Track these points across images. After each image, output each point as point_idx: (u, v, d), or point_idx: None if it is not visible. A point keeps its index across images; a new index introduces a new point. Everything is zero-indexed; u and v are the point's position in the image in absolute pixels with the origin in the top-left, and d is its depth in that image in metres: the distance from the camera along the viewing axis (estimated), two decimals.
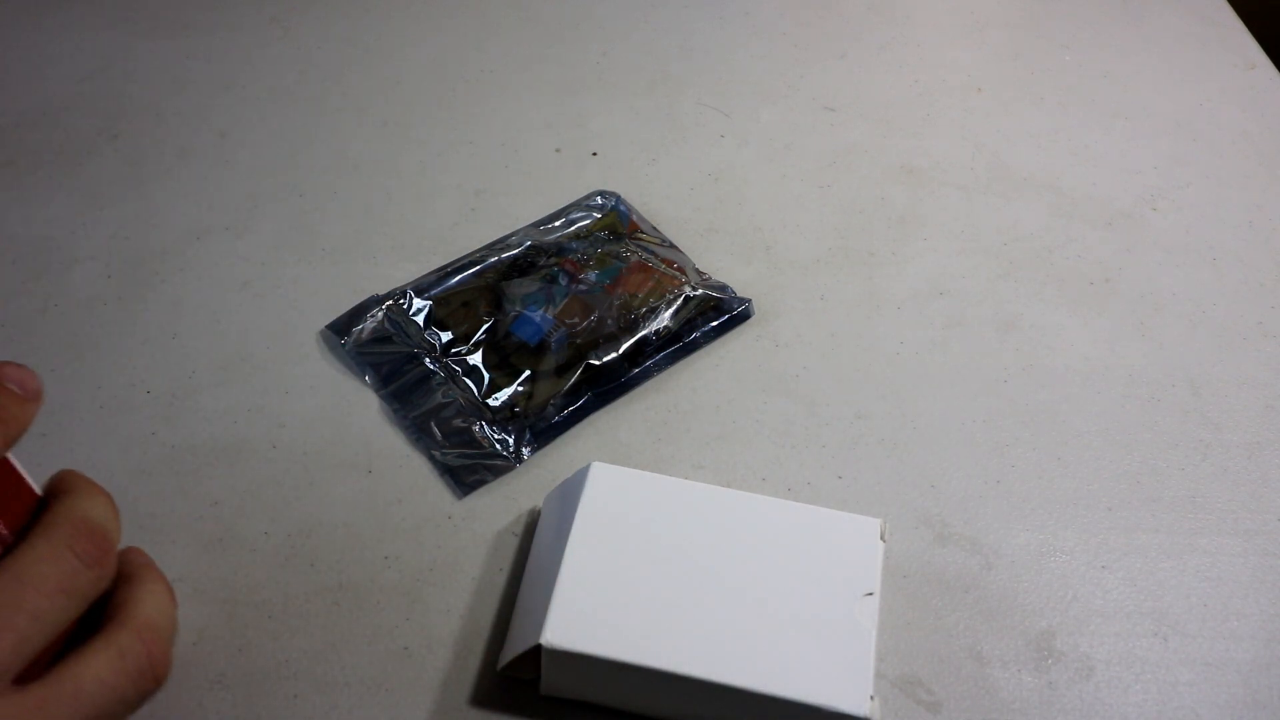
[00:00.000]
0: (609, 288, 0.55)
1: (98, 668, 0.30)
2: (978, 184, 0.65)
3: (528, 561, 0.46)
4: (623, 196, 0.62)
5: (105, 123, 0.67)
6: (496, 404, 0.51)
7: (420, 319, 0.54)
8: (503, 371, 0.52)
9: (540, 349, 0.53)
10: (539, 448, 0.51)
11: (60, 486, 0.33)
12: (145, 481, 0.49)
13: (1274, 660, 0.45)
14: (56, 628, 0.29)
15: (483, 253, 0.58)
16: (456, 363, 0.53)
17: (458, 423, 0.51)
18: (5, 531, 0.31)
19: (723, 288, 0.57)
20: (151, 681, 0.31)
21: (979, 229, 0.63)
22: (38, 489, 0.33)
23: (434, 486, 0.49)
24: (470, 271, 0.57)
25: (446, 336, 0.54)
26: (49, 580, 0.29)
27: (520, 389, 0.52)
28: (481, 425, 0.51)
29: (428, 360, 0.53)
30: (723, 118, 0.69)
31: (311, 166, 0.65)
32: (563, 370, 0.52)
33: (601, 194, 0.62)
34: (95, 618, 0.32)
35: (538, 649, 0.39)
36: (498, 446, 0.50)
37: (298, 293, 0.57)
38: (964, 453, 0.51)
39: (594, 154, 0.66)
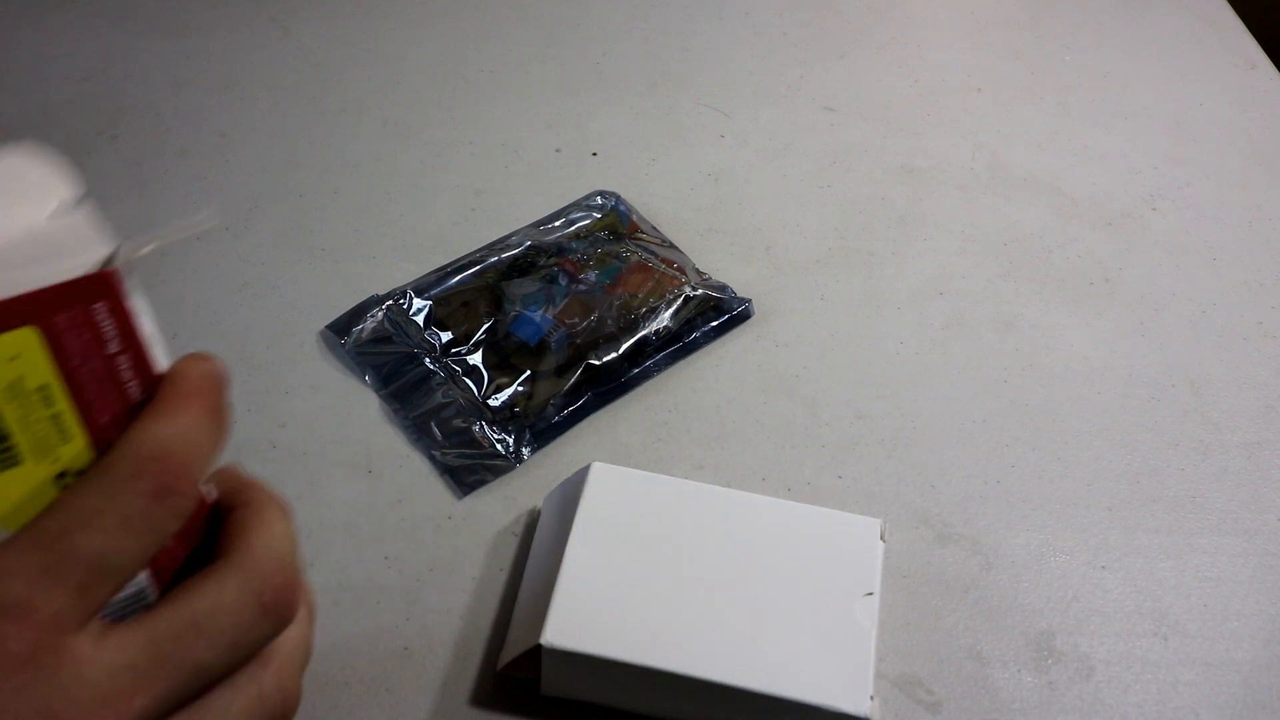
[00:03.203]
0: (609, 288, 0.55)
1: (238, 712, 0.26)
2: (978, 184, 0.65)
3: (528, 561, 0.46)
4: (623, 196, 0.62)
5: (105, 123, 0.67)
6: (496, 404, 0.51)
7: (420, 319, 0.54)
8: (503, 371, 0.52)
9: (540, 349, 0.53)
10: (539, 448, 0.51)
11: (163, 392, 0.26)
12: None
13: (1274, 660, 0.45)
14: (215, 679, 0.26)
15: (483, 253, 0.58)
16: (456, 363, 0.53)
17: (458, 423, 0.51)
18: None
19: (723, 288, 0.57)
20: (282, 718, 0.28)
21: (979, 229, 0.63)
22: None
23: (434, 486, 0.49)
24: (470, 271, 0.57)
25: (446, 336, 0.54)
26: (226, 631, 0.25)
27: (520, 389, 0.52)
28: (481, 425, 0.51)
29: (428, 360, 0.53)
30: (723, 118, 0.69)
31: (311, 166, 0.65)
32: (563, 370, 0.52)
33: (601, 194, 0.62)
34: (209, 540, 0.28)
35: (538, 649, 0.39)
36: (498, 446, 0.50)
37: (298, 293, 0.57)
38: (964, 453, 0.51)
39: (594, 154, 0.66)
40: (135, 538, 0.24)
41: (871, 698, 0.38)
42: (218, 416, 0.27)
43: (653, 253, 0.58)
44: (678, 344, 0.55)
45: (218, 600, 0.25)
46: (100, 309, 0.25)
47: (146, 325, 0.26)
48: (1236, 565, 0.48)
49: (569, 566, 0.41)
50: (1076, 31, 0.78)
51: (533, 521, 0.48)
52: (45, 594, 0.23)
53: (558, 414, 0.51)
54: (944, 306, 0.58)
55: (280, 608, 0.26)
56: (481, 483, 0.49)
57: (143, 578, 0.26)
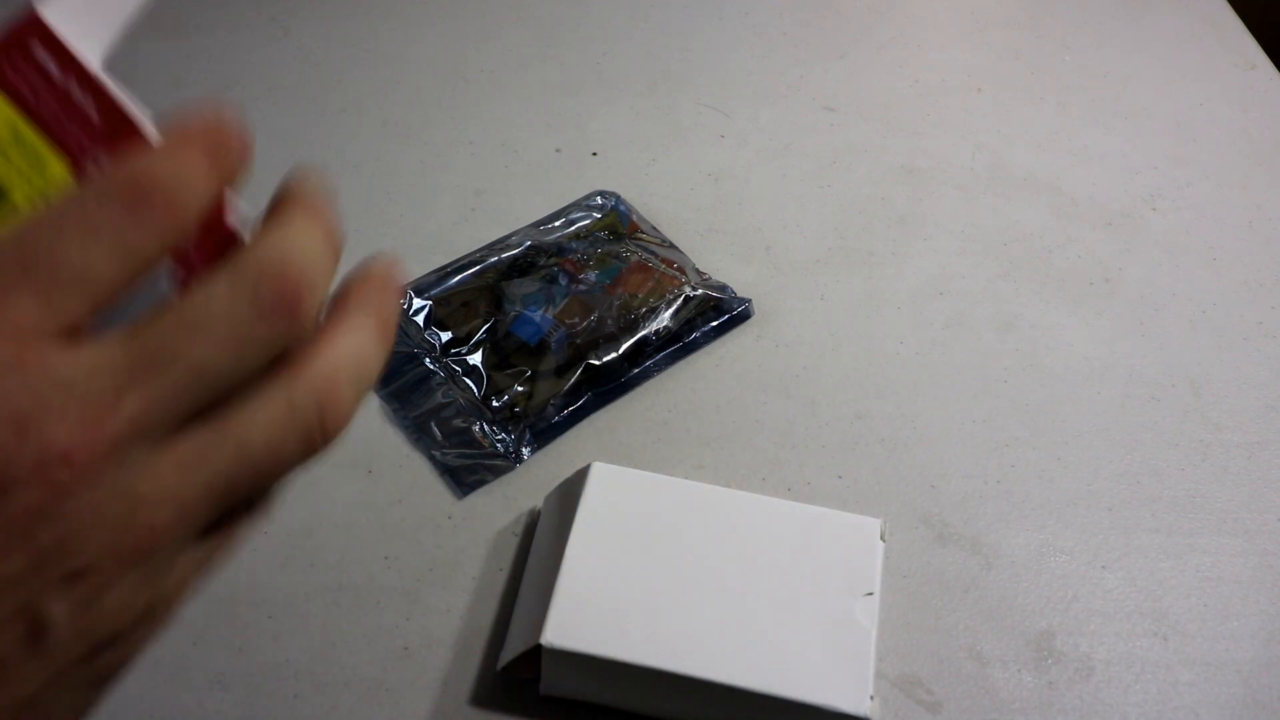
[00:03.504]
0: (609, 288, 0.55)
1: (265, 423, 0.24)
2: (978, 184, 0.65)
3: (528, 561, 0.46)
4: (623, 196, 0.62)
5: None
6: (496, 404, 0.51)
7: (420, 319, 0.54)
8: (503, 371, 0.52)
9: (540, 349, 0.53)
10: (539, 448, 0.51)
11: (279, 204, 0.25)
12: None
13: (1274, 660, 0.45)
14: (221, 382, 0.24)
15: (483, 253, 0.58)
16: (456, 363, 0.53)
17: (458, 423, 0.51)
18: (190, 268, 0.26)
19: (723, 288, 0.57)
20: (320, 442, 0.26)
21: (979, 229, 0.62)
22: (240, 219, 0.27)
23: (434, 486, 0.49)
24: (470, 271, 0.57)
25: (446, 336, 0.54)
26: (217, 328, 0.23)
27: (520, 389, 0.52)
28: (481, 425, 0.51)
29: (428, 360, 0.53)
30: (723, 118, 0.69)
31: (311, 167, 0.65)
32: (563, 370, 0.52)
33: (601, 194, 0.62)
34: None
35: (538, 649, 0.39)
36: (498, 446, 0.50)
37: None
38: (964, 453, 0.51)
39: (594, 154, 0.66)
40: (105, 244, 0.23)
41: (871, 698, 0.38)
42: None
43: (653, 253, 0.58)
44: (678, 344, 0.55)
45: (207, 298, 0.23)
46: (36, 46, 0.27)
47: (87, 56, 0.28)
48: (1236, 565, 0.48)
49: (569, 566, 0.41)
50: (1076, 31, 0.78)
51: (533, 521, 0.48)
52: (11, 299, 0.21)
53: (558, 414, 0.51)
54: (944, 306, 0.58)
55: (279, 305, 0.24)
56: (481, 483, 0.49)
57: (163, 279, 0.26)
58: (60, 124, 0.27)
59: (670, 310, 0.55)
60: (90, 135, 0.28)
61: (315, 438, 0.26)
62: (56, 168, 0.27)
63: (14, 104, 0.27)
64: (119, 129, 0.28)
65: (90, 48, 0.28)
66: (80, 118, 0.28)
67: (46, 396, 0.21)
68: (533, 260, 0.57)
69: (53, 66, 0.27)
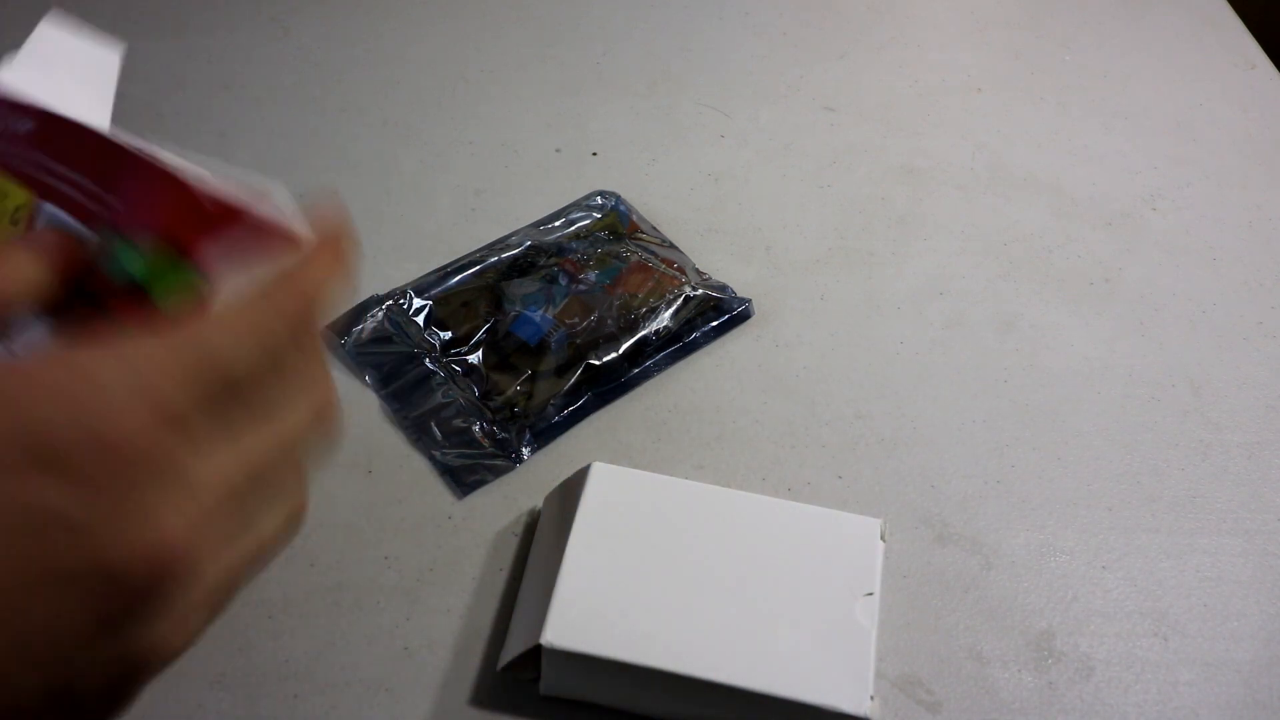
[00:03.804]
0: (609, 288, 0.55)
1: (236, 311, 0.25)
2: (978, 184, 0.65)
3: (528, 561, 0.46)
4: (623, 196, 0.62)
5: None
6: (496, 404, 0.51)
7: (420, 319, 0.54)
8: (503, 371, 0.52)
9: (540, 349, 0.53)
10: (539, 448, 0.51)
11: (316, 245, 0.28)
12: None
13: (1274, 660, 0.45)
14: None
15: (483, 253, 0.58)
16: (456, 363, 0.53)
17: (458, 423, 0.51)
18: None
19: (723, 288, 0.57)
20: (303, 331, 0.27)
21: (979, 229, 0.62)
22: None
23: (434, 486, 0.49)
24: (470, 271, 0.57)
25: (446, 336, 0.54)
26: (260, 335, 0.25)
27: (520, 389, 0.52)
28: (481, 425, 0.51)
29: (428, 360, 0.53)
30: (723, 118, 0.69)
31: (311, 166, 0.65)
32: (563, 370, 0.52)
33: (601, 194, 0.62)
34: None
35: (538, 649, 0.39)
36: (498, 446, 0.50)
37: None
38: (964, 453, 0.51)
39: (594, 154, 0.66)
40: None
41: (871, 698, 0.38)
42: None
43: (653, 253, 0.58)
44: (678, 344, 0.55)
45: (257, 313, 0.25)
46: None
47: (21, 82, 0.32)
48: (1236, 565, 0.48)
49: (569, 566, 0.41)
50: (1076, 31, 0.78)
51: (533, 521, 0.48)
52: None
53: (558, 414, 0.51)
54: (944, 306, 0.58)
55: (303, 327, 0.26)
56: (481, 483, 0.49)
57: None
58: (14, 158, 0.30)
59: (670, 310, 0.55)
60: (25, 144, 0.30)
61: (301, 322, 0.27)
62: (12, 191, 0.29)
63: None
64: (51, 128, 0.30)
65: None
66: (25, 145, 0.30)
67: (122, 397, 0.22)
68: (533, 260, 0.57)
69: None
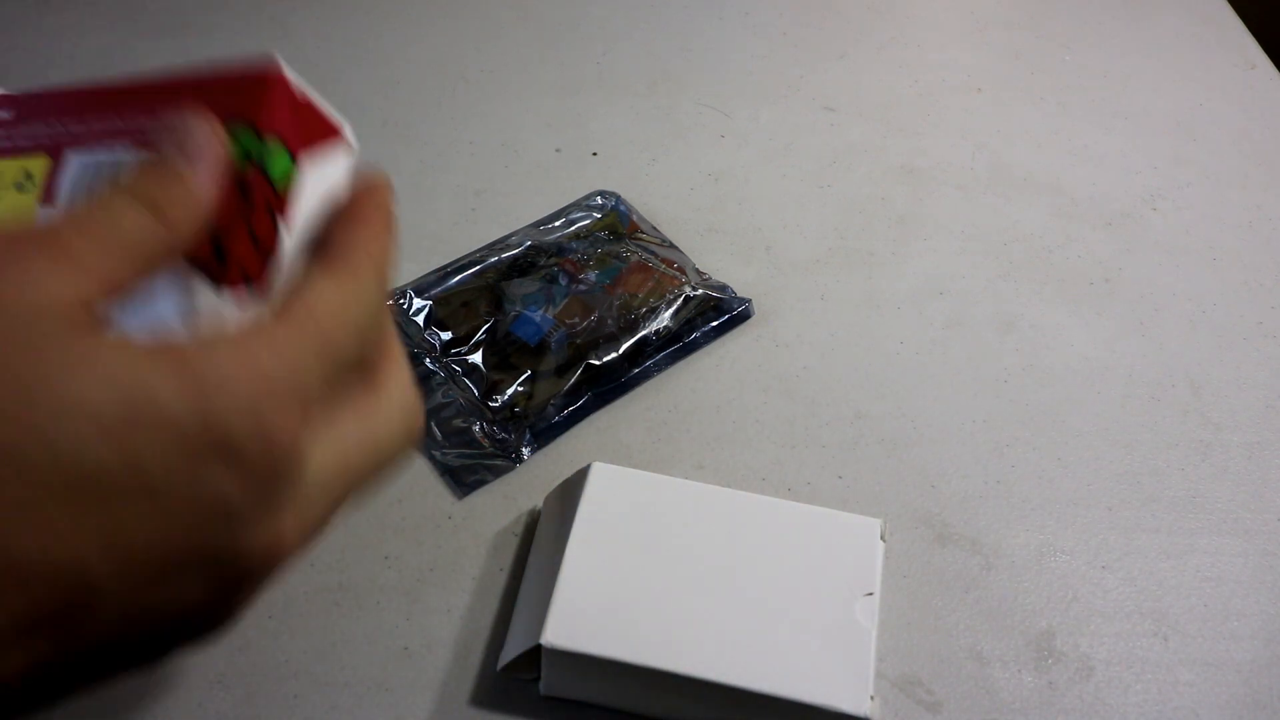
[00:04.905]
0: (609, 288, 0.55)
1: (332, 294, 0.25)
2: (978, 184, 0.65)
3: (528, 561, 0.46)
4: (623, 196, 0.62)
5: None
6: (496, 404, 0.51)
7: (420, 319, 0.54)
8: (503, 371, 0.52)
9: (540, 349, 0.53)
10: (539, 448, 0.51)
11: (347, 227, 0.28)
12: None
13: (1274, 660, 0.45)
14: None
15: (483, 253, 0.58)
16: (456, 363, 0.53)
17: (458, 423, 0.51)
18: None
19: (723, 288, 0.57)
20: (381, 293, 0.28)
21: (979, 229, 0.63)
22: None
23: (434, 486, 0.49)
24: (470, 271, 0.57)
25: (446, 336, 0.54)
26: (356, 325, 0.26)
27: (520, 389, 0.52)
28: (481, 425, 0.51)
29: (428, 360, 0.53)
30: (723, 118, 0.69)
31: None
32: (563, 370, 0.52)
33: (601, 194, 0.62)
34: None
35: (538, 649, 0.39)
36: (498, 446, 0.50)
37: None
38: (964, 453, 0.51)
39: (594, 154, 0.66)
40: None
41: (871, 698, 0.38)
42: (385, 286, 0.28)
43: (653, 253, 0.58)
44: (678, 344, 0.55)
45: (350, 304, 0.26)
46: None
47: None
48: (1236, 565, 0.48)
49: (569, 566, 0.41)
50: (1076, 31, 0.78)
51: (533, 521, 0.48)
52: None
53: (558, 414, 0.51)
54: (944, 306, 0.58)
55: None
56: (481, 483, 0.49)
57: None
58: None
59: (670, 310, 0.55)
60: (6, 127, 0.30)
61: (380, 291, 0.28)
62: (5, 167, 0.29)
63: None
64: (30, 105, 0.30)
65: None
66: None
67: (274, 393, 0.23)
68: (533, 260, 0.57)
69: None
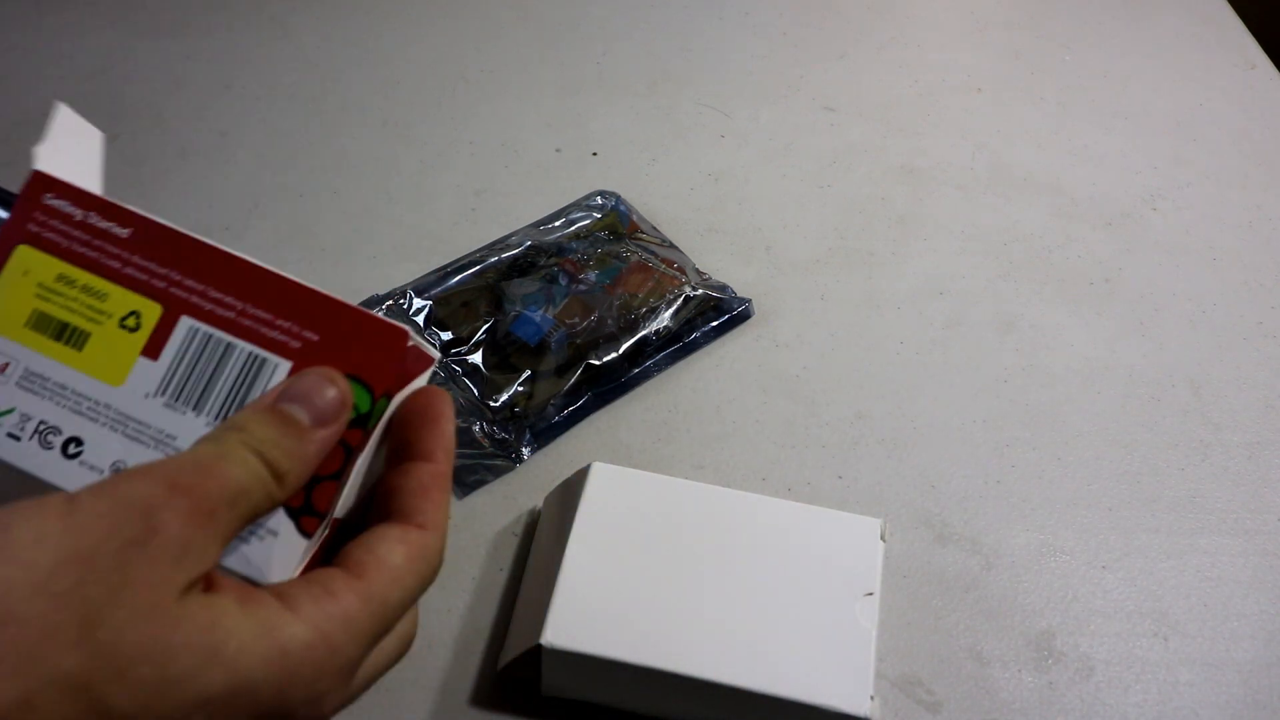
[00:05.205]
0: (609, 288, 0.55)
1: (403, 573, 0.28)
2: (978, 184, 0.65)
3: (528, 561, 0.46)
4: (623, 196, 0.62)
5: (105, 123, 0.67)
6: (496, 404, 0.51)
7: (420, 319, 0.54)
8: (503, 371, 0.52)
9: (540, 349, 0.53)
10: (539, 448, 0.51)
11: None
12: None
13: (1274, 660, 0.45)
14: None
15: (483, 253, 0.58)
16: (456, 363, 0.53)
17: (458, 423, 0.51)
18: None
19: (723, 288, 0.57)
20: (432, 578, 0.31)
21: (979, 229, 0.63)
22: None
23: None
24: (470, 271, 0.57)
25: (446, 336, 0.54)
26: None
27: (520, 389, 0.52)
28: (481, 425, 0.51)
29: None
30: (723, 118, 0.69)
31: (311, 166, 0.65)
32: (563, 370, 0.52)
33: (601, 194, 0.62)
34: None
35: (538, 649, 0.39)
36: (498, 446, 0.50)
37: None
38: (964, 453, 0.51)
39: (594, 154, 0.66)
40: None
41: (871, 698, 0.38)
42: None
43: (653, 253, 0.58)
44: (678, 344, 0.55)
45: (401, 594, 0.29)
46: (48, 196, 0.32)
47: (88, 179, 0.33)
48: (1236, 565, 0.48)
49: (569, 566, 0.41)
50: (1076, 31, 0.78)
51: (533, 521, 0.48)
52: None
53: (558, 414, 0.51)
54: (944, 306, 0.58)
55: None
56: (481, 483, 0.49)
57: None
58: (94, 249, 0.31)
59: (670, 310, 0.55)
60: (125, 248, 0.31)
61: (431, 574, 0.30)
62: (118, 295, 0.31)
63: (50, 253, 0.31)
64: (151, 234, 0.31)
65: (89, 179, 0.32)
66: (109, 240, 0.31)
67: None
68: (533, 260, 0.57)
69: (71, 208, 0.32)
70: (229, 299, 0.30)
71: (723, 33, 0.76)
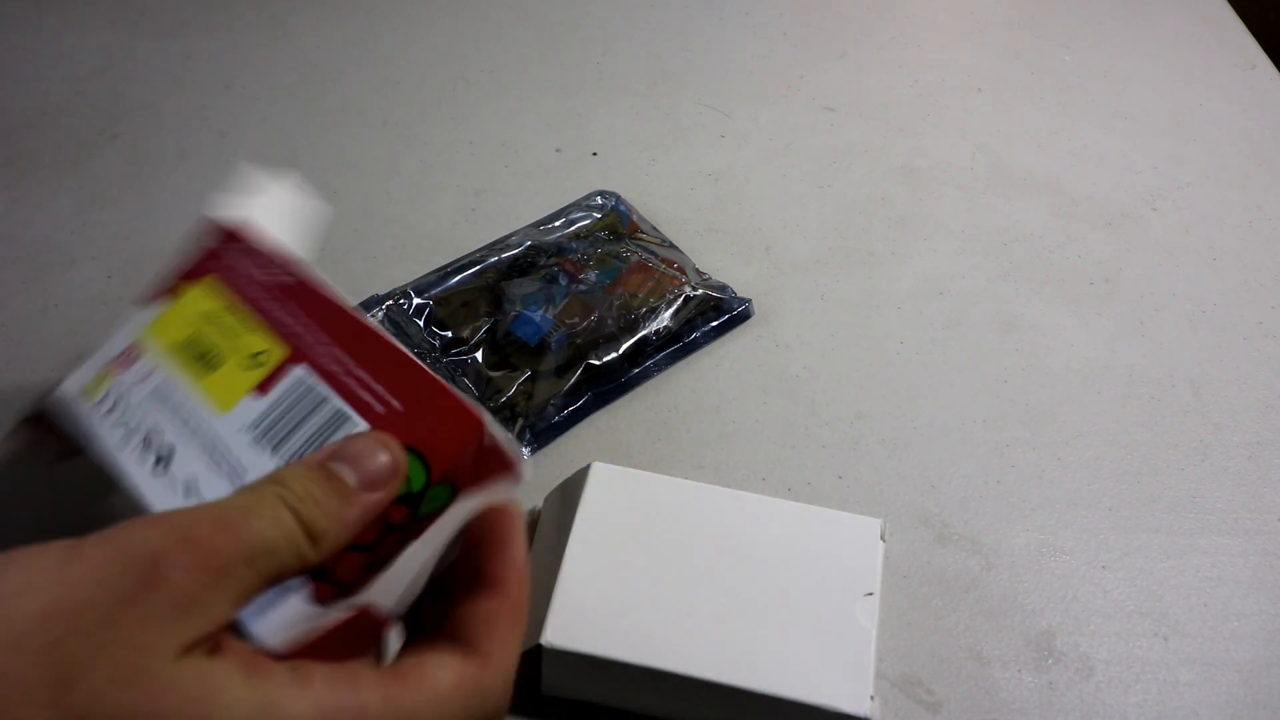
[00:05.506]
0: (609, 288, 0.55)
1: (451, 685, 0.28)
2: (978, 184, 0.65)
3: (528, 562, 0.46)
4: (623, 196, 0.62)
5: (105, 123, 0.67)
6: (496, 404, 0.51)
7: (420, 319, 0.54)
8: (503, 371, 0.52)
9: (540, 349, 0.53)
10: (539, 448, 0.51)
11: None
12: None
13: (1274, 660, 0.45)
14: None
15: (483, 253, 0.58)
16: (456, 363, 0.53)
17: None
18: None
19: (723, 288, 0.57)
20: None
21: (979, 229, 0.63)
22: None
23: None
24: (470, 271, 0.57)
25: (446, 336, 0.54)
26: None
27: (520, 389, 0.52)
28: None
29: (427, 360, 0.53)
30: (723, 118, 0.69)
31: (311, 166, 0.65)
32: (563, 370, 0.52)
33: (601, 194, 0.62)
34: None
35: (538, 649, 0.39)
36: None
37: None
38: (964, 453, 0.51)
39: (594, 154, 0.66)
40: None
41: (871, 698, 0.38)
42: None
43: (653, 253, 0.58)
44: (678, 344, 0.55)
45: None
46: (230, 249, 0.36)
47: (279, 241, 0.37)
48: (1236, 565, 0.48)
49: (569, 566, 0.41)
50: (1076, 31, 0.78)
51: (532, 521, 0.48)
52: None
53: (558, 414, 0.51)
54: (944, 306, 0.58)
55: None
56: None
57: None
58: (262, 300, 0.34)
59: (670, 310, 0.55)
60: (284, 295, 0.34)
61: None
62: (260, 333, 0.33)
63: (229, 287, 0.35)
64: (307, 288, 0.34)
65: (288, 233, 0.38)
66: (279, 287, 0.34)
67: None
68: (533, 260, 0.57)
69: (261, 254, 0.36)
70: (343, 355, 0.31)
71: (723, 33, 0.76)
